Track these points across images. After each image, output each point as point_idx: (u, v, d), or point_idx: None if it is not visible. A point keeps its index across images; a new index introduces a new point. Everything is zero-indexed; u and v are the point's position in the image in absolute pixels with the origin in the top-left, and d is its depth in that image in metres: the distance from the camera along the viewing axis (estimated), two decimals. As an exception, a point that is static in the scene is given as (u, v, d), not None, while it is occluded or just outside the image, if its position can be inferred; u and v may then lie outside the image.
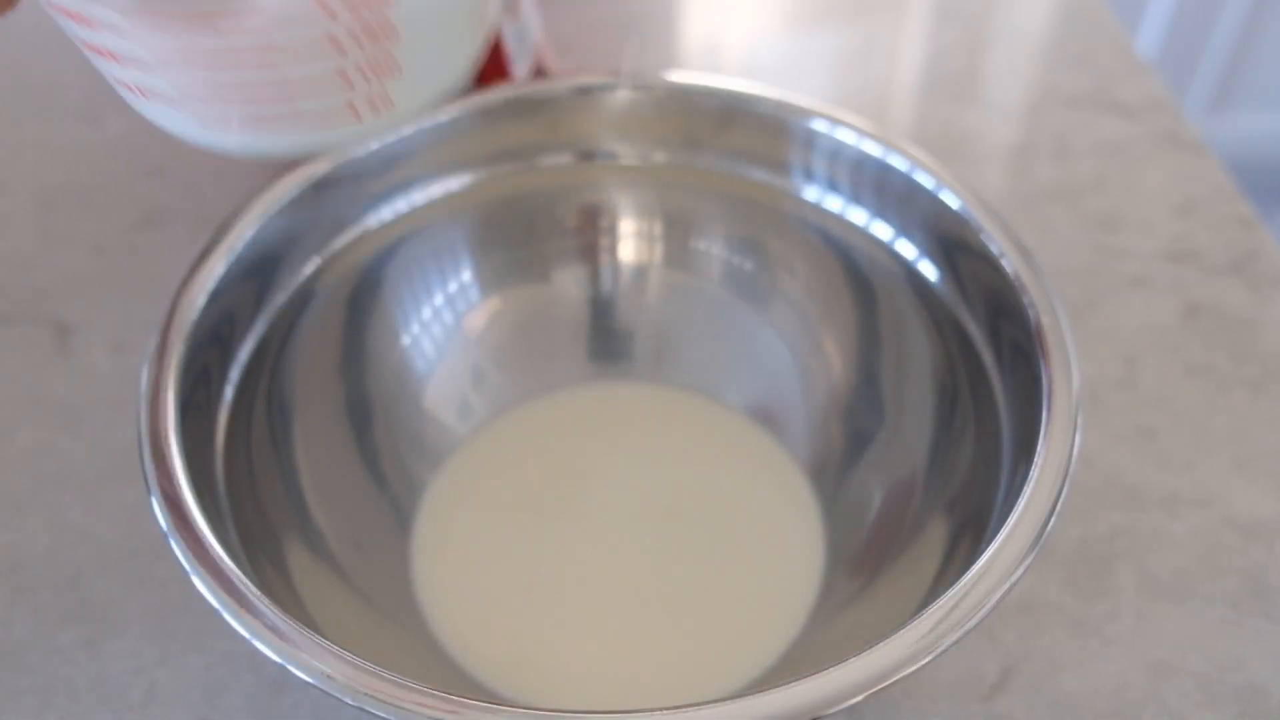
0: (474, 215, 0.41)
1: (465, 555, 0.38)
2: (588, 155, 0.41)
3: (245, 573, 0.26)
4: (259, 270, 0.35)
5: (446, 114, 0.38)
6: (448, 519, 0.39)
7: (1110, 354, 0.45)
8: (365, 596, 0.35)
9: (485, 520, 0.39)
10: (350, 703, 0.24)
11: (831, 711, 0.24)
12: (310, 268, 0.37)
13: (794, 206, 0.40)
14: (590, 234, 0.43)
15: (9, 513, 0.40)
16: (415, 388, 0.41)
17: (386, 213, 0.38)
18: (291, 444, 0.35)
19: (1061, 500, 0.27)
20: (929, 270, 0.37)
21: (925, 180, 0.36)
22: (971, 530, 0.31)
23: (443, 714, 0.23)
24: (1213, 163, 0.55)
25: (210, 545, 0.26)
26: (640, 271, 0.43)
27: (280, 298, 0.36)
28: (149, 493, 0.28)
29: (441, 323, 0.41)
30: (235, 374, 0.34)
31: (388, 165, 0.38)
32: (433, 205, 0.39)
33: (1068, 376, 0.30)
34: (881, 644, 0.25)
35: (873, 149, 0.37)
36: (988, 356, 0.34)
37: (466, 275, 0.41)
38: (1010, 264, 0.33)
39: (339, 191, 0.37)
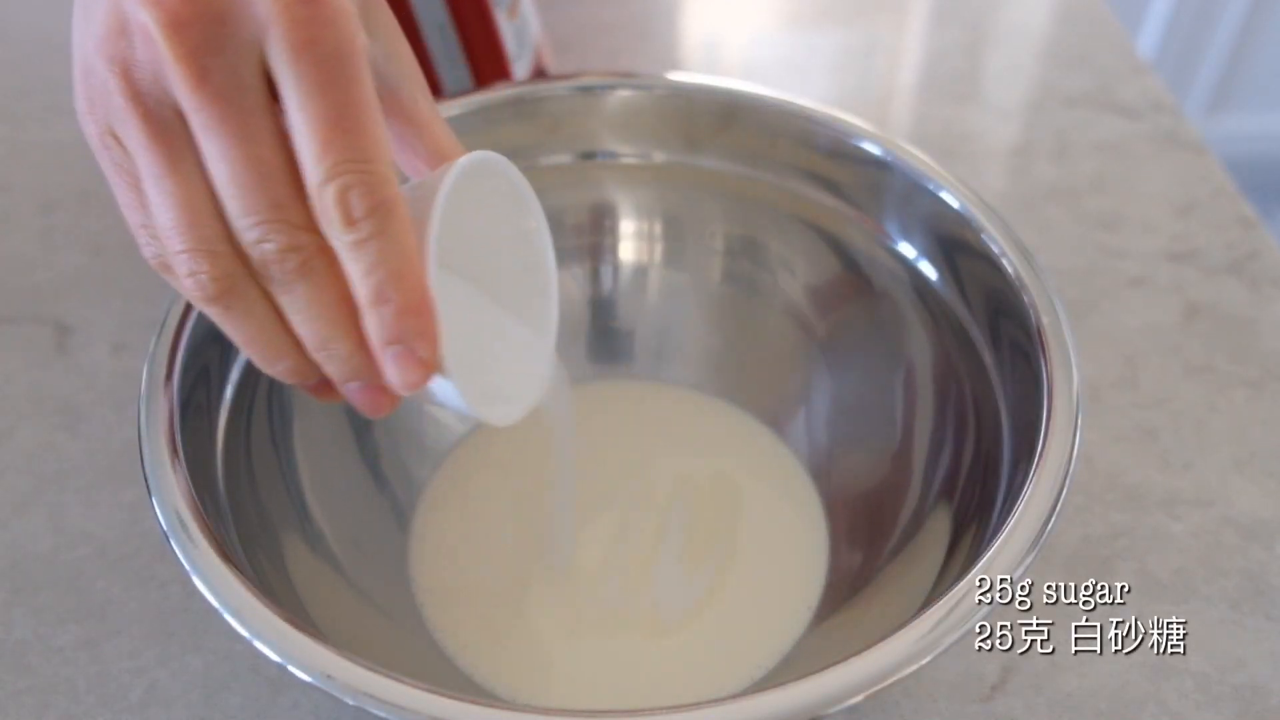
0: (474, 215, 0.41)
1: (464, 553, 0.38)
2: (588, 155, 0.41)
3: (245, 573, 0.26)
4: (259, 270, 0.35)
5: (447, 114, 0.38)
6: (446, 517, 0.39)
7: (1110, 354, 0.45)
8: (365, 596, 0.34)
9: (484, 518, 0.39)
10: (350, 702, 0.24)
11: (831, 711, 0.24)
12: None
13: (793, 205, 0.40)
14: (590, 234, 0.43)
15: (9, 513, 0.40)
16: (415, 388, 0.41)
17: (386, 213, 0.38)
18: (291, 444, 0.35)
19: (1062, 500, 0.27)
20: (929, 270, 0.37)
21: (925, 180, 0.36)
22: (972, 530, 0.31)
23: (442, 713, 0.23)
24: (1213, 163, 0.55)
25: (210, 545, 0.26)
26: (640, 271, 0.43)
27: (280, 298, 0.36)
28: (149, 493, 0.28)
29: (441, 323, 0.41)
30: (235, 374, 0.34)
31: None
32: (433, 205, 0.39)
33: (1068, 376, 0.30)
34: (881, 644, 0.25)
35: (872, 149, 0.37)
36: (988, 356, 0.34)
37: (466, 275, 0.41)
38: (1010, 264, 0.33)
39: (339, 191, 0.37)
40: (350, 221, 0.23)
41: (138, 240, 0.25)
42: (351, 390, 0.26)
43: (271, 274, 0.24)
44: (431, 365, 0.24)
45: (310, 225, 0.23)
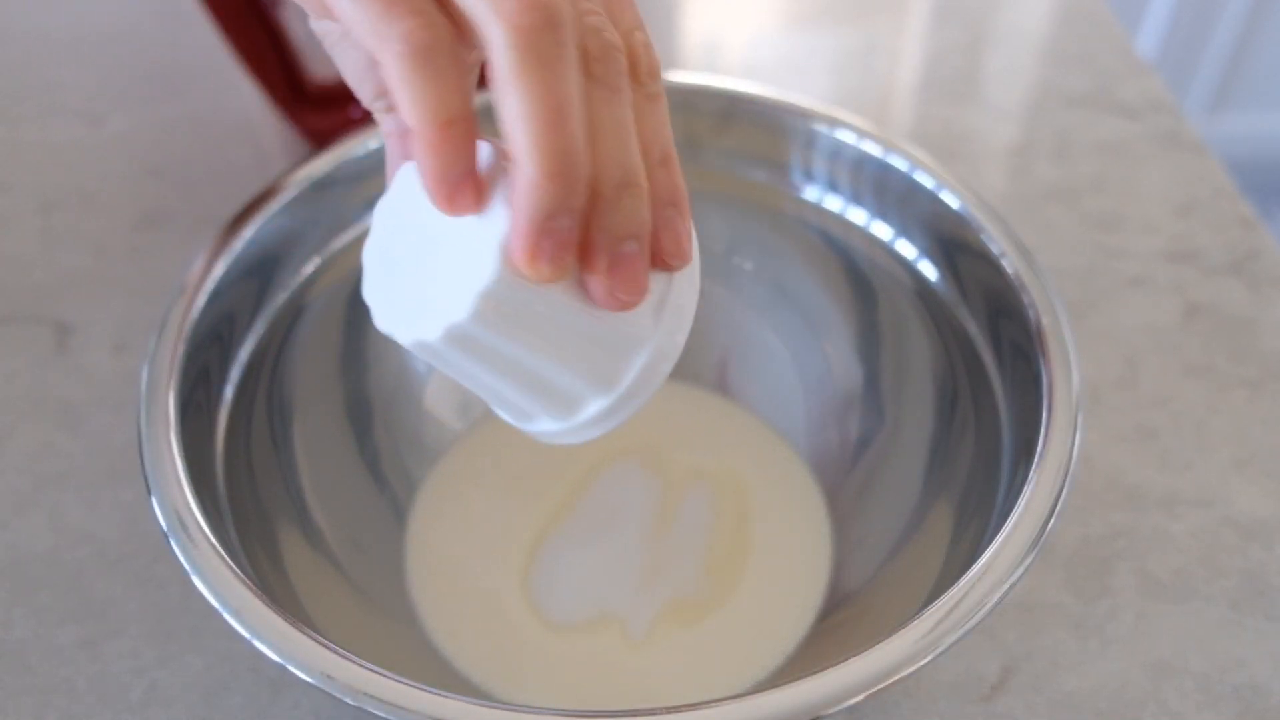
0: (474, 215, 0.41)
1: (461, 552, 0.38)
2: (588, 155, 0.41)
3: (245, 572, 0.26)
4: (259, 270, 0.35)
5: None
6: (444, 516, 0.39)
7: (1110, 354, 0.45)
8: (364, 595, 0.35)
9: (481, 517, 0.39)
10: (350, 702, 0.24)
11: (831, 711, 0.24)
12: (310, 268, 0.37)
13: (794, 206, 0.40)
14: (590, 234, 0.43)
15: (9, 513, 0.40)
16: (415, 387, 0.41)
17: (386, 213, 0.38)
18: (291, 444, 0.35)
19: (1061, 500, 0.27)
20: (929, 270, 0.37)
21: (925, 180, 0.36)
22: (972, 530, 0.31)
23: (443, 713, 0.23)
24: (1213, 163, 0.55)
25: (210, 545, 0.26)
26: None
27: (280, 298, 0.36)
28: (149, 493, 0.28)
29: (441, 323, 0.41)
30: (235, 374, 0.34)
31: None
32: (433, 205, 0.39)
33: (1068, 376, 0.30)
34: (881, 644, 0.25)
35: (873, 149, 0.37)
36: (988, 356, 0.34)
37: (466, 275, 0.41)
38: (1010, 264, 0.33)
39: (339, 191, 0.37)
40: (653, 74, 0.22)
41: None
42: (625, 255, 0.22)
43: (598, 71, 0.21)
44: (689, 241, 0.23)
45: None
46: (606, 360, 0.24)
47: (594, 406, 0.25)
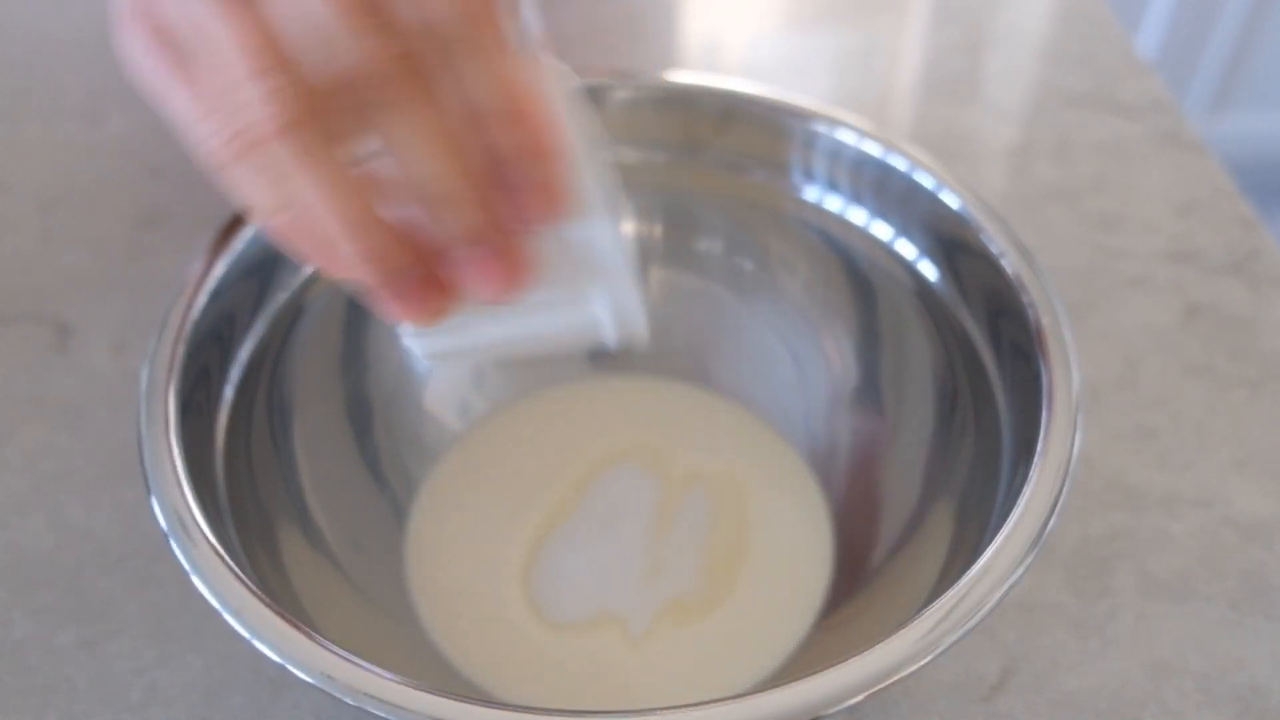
0: (474, 215, 0.41)
1: (461, 552, 0.38)
2: (588, 155, 0.41)
3: (245, 573, 0.26)
4: (259, 270, 0.35)
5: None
6: (444, 515, 0.39)
7: (1110, 354, 0.45)
8: (364, 595, 0.35)
9: (482, 517, 0.39)
10: (350, 702, 0.24)
11: (831, 711, 0.24)
12: (310, 268, 0.37)
13: (794, 206, 0.40)
14: (590, 234, 0.43)
15: (9, 513, 0.40)
16: (415, 387, 0.41)
17: (386, 213, 0.38)
18: (291, 444, 0.35)
19: (1061, 500, 0.27)
20: (929, 270, 0.37)
21: (925, 180, 0.36)
22: (972, 530, 0.31)
23: (443, 714, 0.23)
24: (1213, 163, 0.55)
25: (210, 545, 0.26)
26: (640, 271, 0.43)
27: (280, 297, 0.36)
28: (149, 493, 0.28)
29: (441, 323, 0.41)
30: (235, 374, 0.34)
31: (388, 165, 0.38)
32: (433, 205, 0.39)
33: (1068, 376, 0.30)
34: (881, 644, 0.25)
35: (873, 149, 0.37)
36: (988, 356, 0.34)
37: (466, 275, 0.41)
38: (1010, 264, 0.33)
39: (339, 191, 0.37)
40: (476, 22, 0.20)
41: (197, 134, 0.20)
42: (478, 259, 0.22)
43: (375, 98, 0.20)
44: (564, 190, 0.22)
45: (409, 35, 0.20)
46: (575, 298, 0.25)
47: (604, 314, 0.26)
